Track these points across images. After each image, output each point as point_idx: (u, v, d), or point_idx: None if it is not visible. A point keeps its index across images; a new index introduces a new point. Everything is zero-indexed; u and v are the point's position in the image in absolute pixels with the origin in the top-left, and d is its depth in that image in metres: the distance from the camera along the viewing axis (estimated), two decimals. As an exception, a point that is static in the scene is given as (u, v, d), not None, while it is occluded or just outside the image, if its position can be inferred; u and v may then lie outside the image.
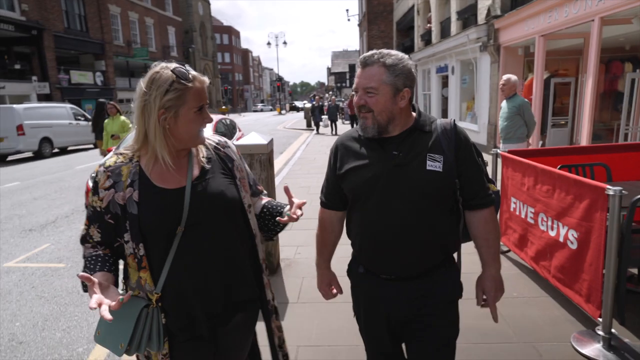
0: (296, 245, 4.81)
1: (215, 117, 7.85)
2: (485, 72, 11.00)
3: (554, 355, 2.67)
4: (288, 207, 1.55)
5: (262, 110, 66.75)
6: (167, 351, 1.42)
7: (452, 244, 1.61)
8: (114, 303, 1.22)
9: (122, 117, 8.37)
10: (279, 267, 4.28)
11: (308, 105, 25.04)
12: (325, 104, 25.01)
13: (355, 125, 14.79)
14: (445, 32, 15.29)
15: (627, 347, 2.59)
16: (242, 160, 1.64)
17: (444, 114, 16.29)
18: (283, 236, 3.91)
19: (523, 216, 3.66)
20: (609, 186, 2.48)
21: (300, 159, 12.29)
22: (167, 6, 39.22)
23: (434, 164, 1.46)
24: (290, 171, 10.17)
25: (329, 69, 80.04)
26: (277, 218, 1.54)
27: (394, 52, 1.50)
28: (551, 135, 8.33)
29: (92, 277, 1.26)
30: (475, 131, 12.10)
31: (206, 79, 1.42)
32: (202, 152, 1.51)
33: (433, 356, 1.60)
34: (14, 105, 15.38)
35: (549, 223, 3.22)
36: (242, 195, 1.52)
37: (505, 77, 4.99)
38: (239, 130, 8.47)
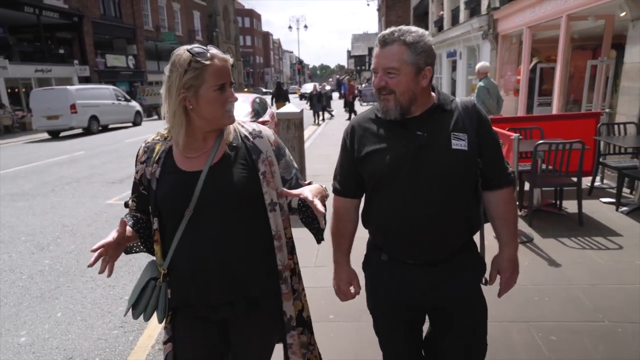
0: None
1: (251, 97, 9.49)
2: (486, 58, 12.32)
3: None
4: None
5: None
6: (166, 324, 1.50)
7: (476, 224, 1.57)
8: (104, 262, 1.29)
9: None
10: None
11: (327, 87, 25.58)
12: (327, 88, 22.54)
13: (352, 114, 15.98)
14: (455, 20, 16.54)
15: (521, 232, 4.19)
16: (281, 152, 1.53)
17: (453, 96, 17.61)
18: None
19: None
20: (513, 134, 4.04)
21: (320, 134, 13.97)
22: (193, -9, 40.84)
23: (459, 143, 1.42)
24: (312, 143, 11.82)
25: (349, 51, 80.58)
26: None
27: (413, 28, 1.43)
28: (537, 112, 9.69)
29: (126, 222, 1.40)
30: (478, 111, 13.51)
31: (228, 57, 1.39)
32: (230, 138, 1.47)
33: (466, 345, 1.58)
34: (68, 87, 17.36)
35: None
36: (263, 190, 1.43)
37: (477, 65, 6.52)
38: (270, 107, 10.08)
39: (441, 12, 19.14)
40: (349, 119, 17.74)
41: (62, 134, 17.40)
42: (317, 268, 3.83)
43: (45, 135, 17.27)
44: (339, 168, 1.65)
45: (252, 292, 1.47)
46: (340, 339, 2.81)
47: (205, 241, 1.39)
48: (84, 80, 24.57)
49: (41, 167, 10.02)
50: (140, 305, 1.43)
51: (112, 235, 1.31)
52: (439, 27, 19.35)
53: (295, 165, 1.60)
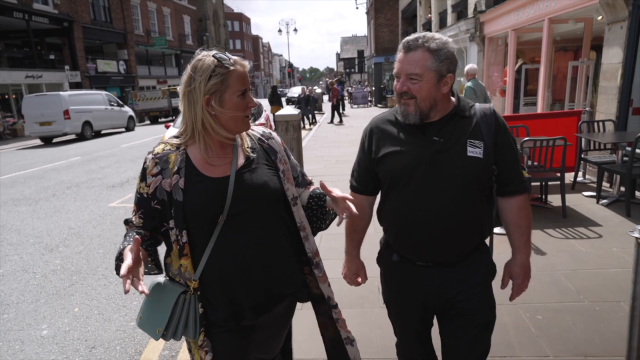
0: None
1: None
2: (473, 59, 12.69)
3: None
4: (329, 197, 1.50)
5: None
6: (202, 342, 1.42)
7: (487, 229, 1.58)
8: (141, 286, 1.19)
9: None
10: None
11: (318, 90, 26.14)
12: (318, 91, 24.22)
13: (334, 117, 16.07)
14: (443, 23, 16.92)
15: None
16: (287, 152, 1.61)
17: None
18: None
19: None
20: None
21: (313, 137, 14.22)
22: (182, -4, 40.91)
23: (475, 150, 1.43)
24: (306, 145, 12.05)
25: (338, 54, 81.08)
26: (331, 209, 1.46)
27: (437, 35, 1.44)
28: (523, 111, 10.04)
29: (138, 241, 1.27)
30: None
31: (247, 63, 1.41)
32: (247, 142, 1.50)
33: (471, 342, 1.58)
34: (61, 92, 17.38)
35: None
36: (285, 187, 1.50)
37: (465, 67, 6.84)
38: (265, 111, 10.31)
39: (429, 15, 19.52)
40: (331, 121, 18.11)
41: (55, 140, 17.44)
42: (319, 261, 4.07)
43: (38, 142, 17.29)
44: (356, 166, 1.71)
45: (290, 287, 1.53)
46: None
47: (242, 243, 1.40)
48: (74, 85, 24.51)
49: (38, 172, 10.12)
50: (172, 325, 1.38)
51: (130, 256, 1.22)
52: (427, 30, 19.73)
53: (298, 163, 1.71)
